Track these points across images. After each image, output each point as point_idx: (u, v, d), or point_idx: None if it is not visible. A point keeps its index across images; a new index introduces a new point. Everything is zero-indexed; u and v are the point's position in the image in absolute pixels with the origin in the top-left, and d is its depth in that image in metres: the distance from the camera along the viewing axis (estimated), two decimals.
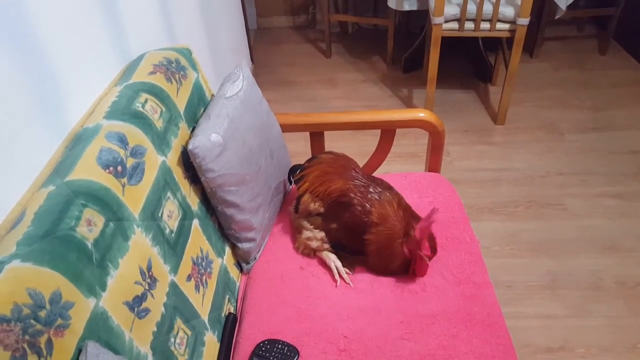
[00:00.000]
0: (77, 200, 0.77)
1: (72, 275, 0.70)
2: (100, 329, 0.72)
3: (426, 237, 1.15)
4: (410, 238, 1.16)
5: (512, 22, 2.28)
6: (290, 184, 1.41)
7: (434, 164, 1.58)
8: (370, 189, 1.23)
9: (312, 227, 1.27)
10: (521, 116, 2.64)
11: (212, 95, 1.33)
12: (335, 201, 1.23)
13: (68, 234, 0.73)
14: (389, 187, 1.28)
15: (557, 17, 2.63)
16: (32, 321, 0.62)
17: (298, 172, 1.33)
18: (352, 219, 1.20)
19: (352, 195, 1.21)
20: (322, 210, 1.25)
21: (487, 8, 2.28)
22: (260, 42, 3.59)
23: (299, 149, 2.03)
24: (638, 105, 2.68)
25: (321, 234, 1.25)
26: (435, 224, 1.16)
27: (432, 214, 1.12)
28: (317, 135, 1.57)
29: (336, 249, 1.26)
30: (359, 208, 1.20)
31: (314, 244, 1.26)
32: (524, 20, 2.23)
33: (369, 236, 1.18)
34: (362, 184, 1.24)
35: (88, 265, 0.73)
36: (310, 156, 1.59)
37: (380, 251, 1.20)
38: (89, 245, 0.75)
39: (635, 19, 3.02)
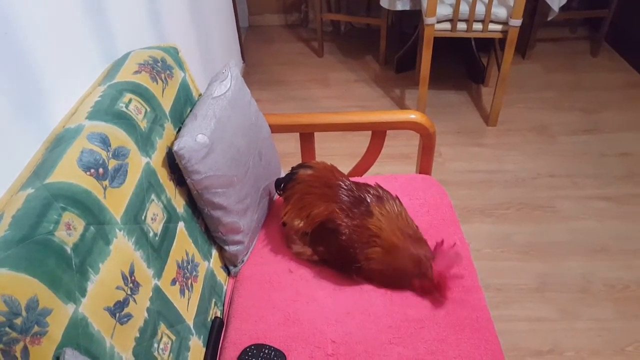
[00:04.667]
0: (56, 203, 0.75)
1: (50, 281, 0.68)
2: (79, 336, 0.71)
3: (445, 282, 1.11)
4: (424, 278, 1.12)
5: (505, 23, 2.28)
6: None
7: (425, 166, 1.57)
8: (362, 207, 1.17)
9: (301, 243, 1.25)
10: (513, 118, 2.65)
11: (200, 95, 1.31)
12: (321, 225, 1.19)
13: (46, 238, 0.71)
14: (382, 198, 1.21)
15: (549, 18, 2.63)
16: (7, 329, 0.61)
17: (280, 192, 1.31)
18: (338, 248, 1.17)
19: (339, 221, 1.16)
20: (309, 230, 1.21)
21: (480, 9, 2.27)
22: (252, 40, 3.57)
23: (290, 150, 2.01)
24: (629, 107, 2.69)
25: (310, 250, 1.24)
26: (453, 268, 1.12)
27: (458, 260, 1.10)
28: (307, 136, 1.55)
29: (324, 264, 1.24)
30: (344, 237, 1.15)
31: (304, 257, 1.25)
32: (517, 22, 2.23)
33: (373, 264, 1.15)
34: (349, 201, 1.18)
35: (67, 270, 0.71)
36: (300, 156, 1.58)
37: (384, 277, 1.17)
38: (68, 250, 0.73)
39: (627, 21, 3.04)
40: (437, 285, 1.11)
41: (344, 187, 1.22)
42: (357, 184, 1.25)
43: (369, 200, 1.19)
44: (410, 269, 1.14)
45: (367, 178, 1.46)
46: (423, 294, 1.15)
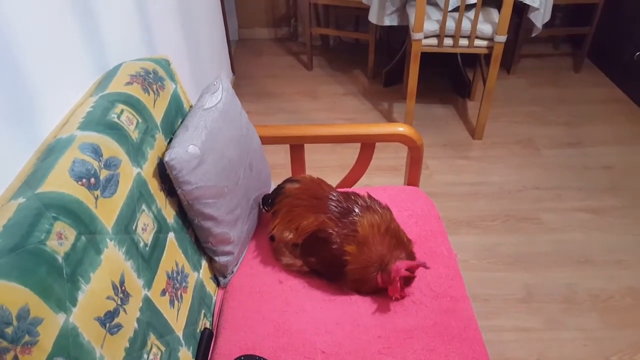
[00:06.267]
0: (48, 213, 0.75)
1: (41, 290, 0.68)
2: (70, 346, 0.70)
3: (400, 279, 1.11)
4: (385, 271, 1.13)
5: (490, 39, 2.33)
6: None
7: (413, 178, 1.59)
8: (350, 217, 1.19)
9: (290, 255, 1.26)
10: (498, 131, 2.69)
11: (191, 106, 1.32)
12: (312, 235, 1.20)
13: (38, 247, 0.71)
14: (373, 209, 1.22)
15: (533, 35, 2.70)
16: None
17: (268, 207, 1.32)
18: (330, 257, 1.18)
19: (330, 230, 1.17)
20: (299, 241, 1.22)
21: (466, 25, 2.32)
22: (242, 53, 3.59)
23: (280, 161, 2.03)
24: (611, 121, 2.75)
25: (300, 262, 1.24)
26: (416, 273, 1.14)
27: (419, 265, 1.11)
28: (297, 147, 1.57)
29: (314, 275, 1.25)
30: (335, 246, 1.16)
31: (294, 268, 1.26)
32: (502, 38, 2.28)
33: (348, 265, 1.16)
34: (338, 212, 1.20)
35: (58, 280, 0.71)
36: (289, 168, 1.60)
37: (355, 275, 1.18)
38: (60, 259, 0.73)
39: (608, 38, 3.12)
40: (391, 281, 1.12)
41: (332, 198, 1.24)
42: (345, 194, 1.27)
43: (357, 210, 1.21)
44: (375, 263, 1.14)
45: (356, 190, 1.48)
46: (383, 289, 1.16)
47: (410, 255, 1.19)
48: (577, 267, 1.90)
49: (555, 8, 2.71)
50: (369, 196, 1.28)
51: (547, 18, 2.57)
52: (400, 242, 1.19)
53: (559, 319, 1.71)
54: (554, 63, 3.34)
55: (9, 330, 0.61)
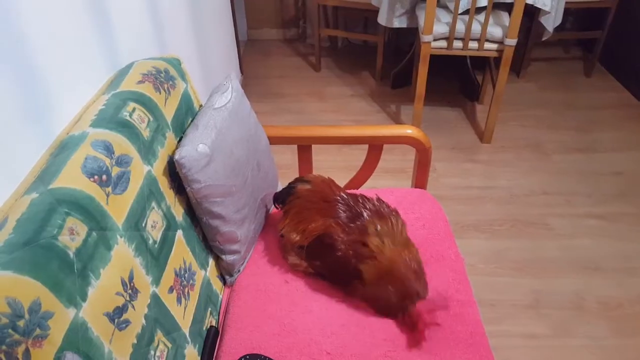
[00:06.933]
0: (60, 208, 0.75)
1: (53, 284, 0.69)
2: (79, 340, 0.71)
3: (423, 324, 1.08)
4: (407, 314, 1.10)
5: (500, 42, 2.33)
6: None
7: (420, 180, 1.59)
8: (359, 222, 1.17)
9: (297, 255, 1.26)
10: (507, 135, 2.68)
11: (201, 105, 1.33)
12: (318, 239, 1.19)
13: (50, 242, 0.71)
14: (382, 213, 1.20)
15: (544, 38, 2.69)
16: (9, 331, 0.61)
17: (279, 205, 1.32)
18: (334, 263, 1.17)
19: (335, 236, 1.16)
20: (305, 244, 1.21)
21: (476, 28, 2.32)
22: (250, 53, 3.60)
23: (286, 161, 2.03)
24: (622, 127, 2.73)
25: (305, 263, 1.24)
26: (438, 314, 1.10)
27: (440, 307, 1.09)
28: (304, 148, 1.57)
29: (319, 277, 1.25)
30: (340, 253, 1.15)
31: (300, 269, 1.26)
32: (512, 41, 2.27)
33: (362, 284, 1.15)
34: (346, 216, 1.19)
35: (69, 274, 0.72)
36: (296, 168, 1.60)
37: (368, 295, 1.16)
38: (71, 254, 0.73)
39: (620, 43, 3.10)
40: (414, 324, 1.09)
41: (341, 201, 1.23)
42: (354, 198, 1.26)
43: (365, 216, 1.20)
44: (394, 299, 1.12)
45: (363, 192, 1.48)
46: (404, 328, 1.13)
47: (421, 277, 1.16)
48: (586, 273, 1.88)
49: (566, 12, 2.70)
50: (378, 199, 1.27)
51: (558, 22, 2.56)
52: (419, 270, 1.15)
53: (567, 326, 1.69)
54: (564, 67, 3.32)
55: (21, 324, 0.62)
